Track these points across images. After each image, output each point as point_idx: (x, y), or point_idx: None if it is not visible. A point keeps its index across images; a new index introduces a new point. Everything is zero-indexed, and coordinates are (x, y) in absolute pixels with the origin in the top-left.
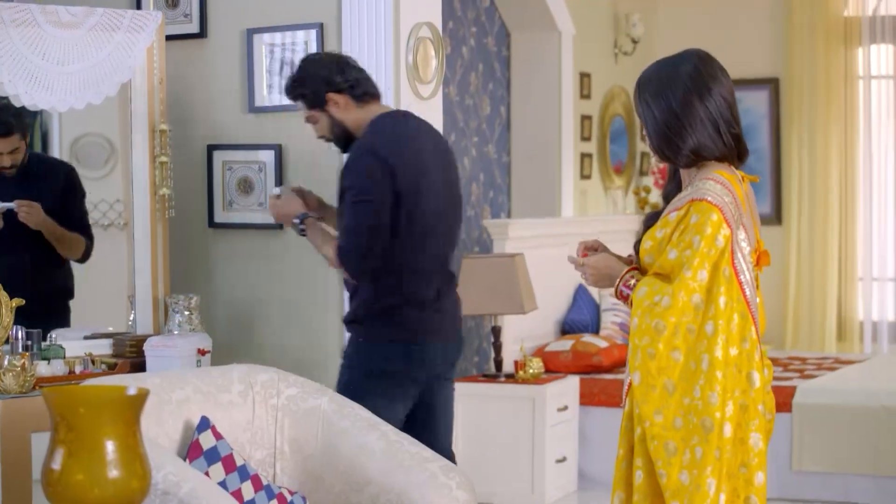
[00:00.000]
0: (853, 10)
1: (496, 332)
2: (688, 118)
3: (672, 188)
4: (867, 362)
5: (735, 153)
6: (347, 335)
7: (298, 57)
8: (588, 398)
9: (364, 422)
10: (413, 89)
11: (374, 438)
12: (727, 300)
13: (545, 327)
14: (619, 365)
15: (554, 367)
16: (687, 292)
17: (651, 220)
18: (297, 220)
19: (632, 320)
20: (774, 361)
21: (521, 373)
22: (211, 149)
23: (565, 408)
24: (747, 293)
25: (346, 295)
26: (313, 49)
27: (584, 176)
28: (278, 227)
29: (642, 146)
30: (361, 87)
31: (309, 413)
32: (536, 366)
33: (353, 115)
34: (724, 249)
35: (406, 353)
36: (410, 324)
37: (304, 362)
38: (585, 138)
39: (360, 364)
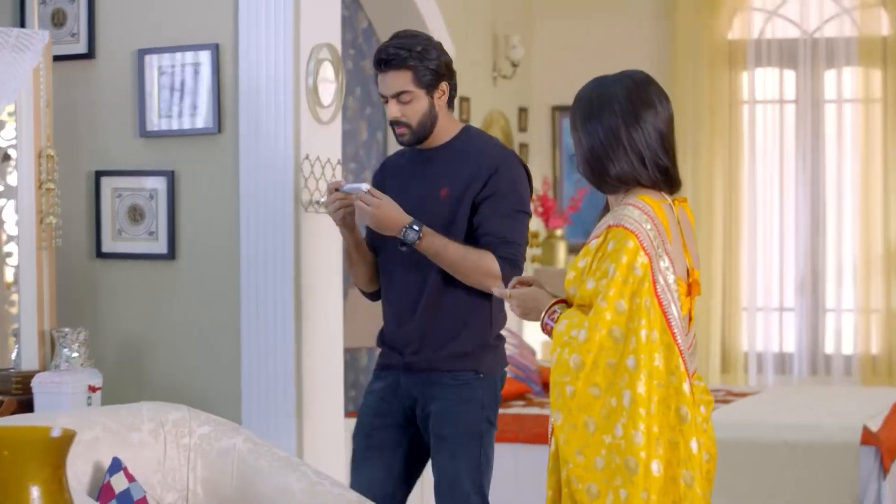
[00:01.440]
0: (738, 33)
1: None
2: (612, 146)
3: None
4: (760, 395)
5: (662, 183)
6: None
7: (191, 79)
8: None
9: (282, 461)
10: (313, 114)
11: (294, 479)
12: (648, 332)
13: None
14: (510, 399)
15: None
16: (604, 325)
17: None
18: (416, 227)
19: (551, 355)
20: None
21: None
22: (99, 175)
23: None
24: (672, 324)
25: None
26: (207, 72)
27: None
28: (170, 256)
29: None
30: (455, 93)
31: (223, 453)
32: None
33: (443, 114)
34: (642, 278)
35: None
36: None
37: (198, 399)
38: None
39: (489, 402)
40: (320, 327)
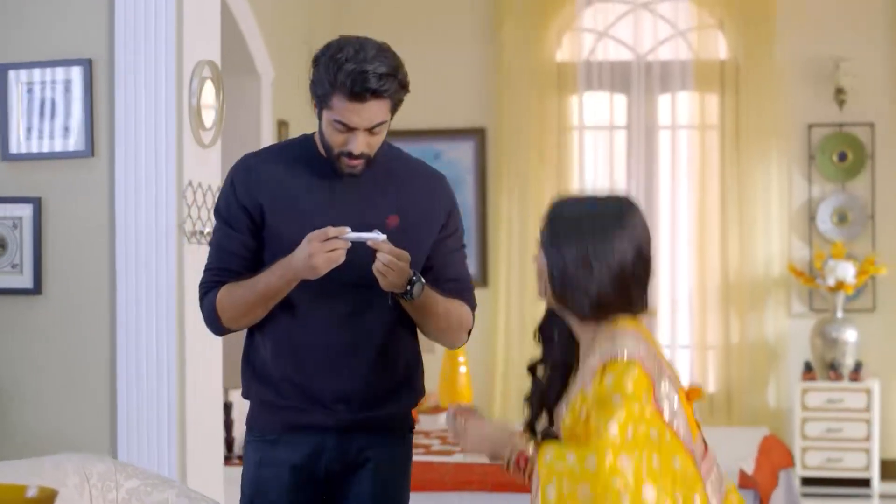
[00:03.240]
0: (567, 55)
1: (227, 408)
2: (599, 266)
3: (560, 348)
4: None
5: (639, 307)
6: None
7: (61, 98)
8: None
9: None
10: (196, 136)
11: None
12: (660, 458)
13: None
14: None
15: None
16: (614, 451)
17: (532, 370)
18: (416, 275)
19: (544, 489)
20: None
21: None
22: None
23: None
24: (683, 438)
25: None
26: (78, 89)
27: None
28: (36, 291)
29: None
30: None
31: None
32: None
33: None
34: (647, 405)
35: None
36: None
37: (69, 449)
38: None
39: None
40: (202, 369)
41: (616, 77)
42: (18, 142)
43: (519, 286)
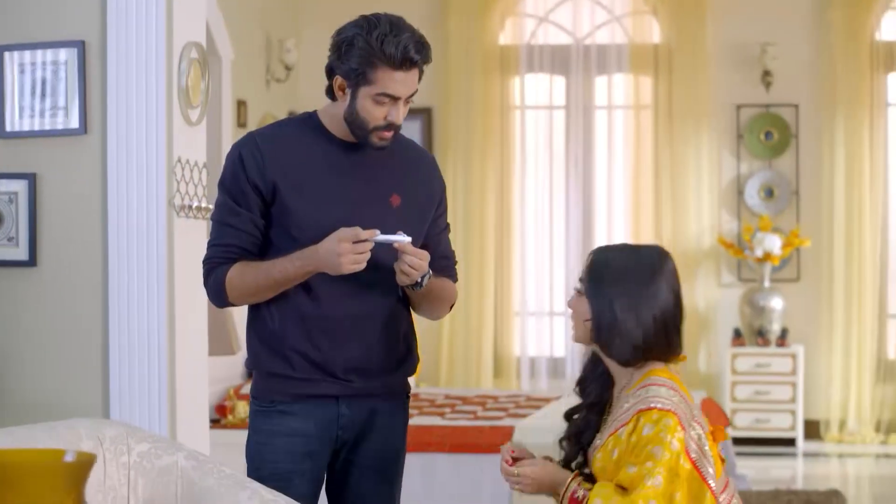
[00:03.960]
0: (510, 38)
1: None
2: (645, 313)
3: (595, 388)
4: (565, 400)
5: (675, 352)
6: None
7: (55, 78)
8: None
9: (230, 479)
10: (184, 115)
11: (245, 497)
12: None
13: (235, 368)
14: None
15: None
16: (658, 501)
17: (569, 416)
18: (427, 271)
19: None
20: (444, 402)
21: (229, 417)
22: None
23: None
24: (709, 480)
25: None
26: (74, 69)
27: None
28: (31, 263)
29: None
30: None
31: (165, 471)
32: (244, 409)
33: None
34: (679, 452)
35: None
36: None
37: (63, 415)
38: None
39: None
40: (190, 336)
41: (556, 60)
42: (14, 120)
43: (465, 260)
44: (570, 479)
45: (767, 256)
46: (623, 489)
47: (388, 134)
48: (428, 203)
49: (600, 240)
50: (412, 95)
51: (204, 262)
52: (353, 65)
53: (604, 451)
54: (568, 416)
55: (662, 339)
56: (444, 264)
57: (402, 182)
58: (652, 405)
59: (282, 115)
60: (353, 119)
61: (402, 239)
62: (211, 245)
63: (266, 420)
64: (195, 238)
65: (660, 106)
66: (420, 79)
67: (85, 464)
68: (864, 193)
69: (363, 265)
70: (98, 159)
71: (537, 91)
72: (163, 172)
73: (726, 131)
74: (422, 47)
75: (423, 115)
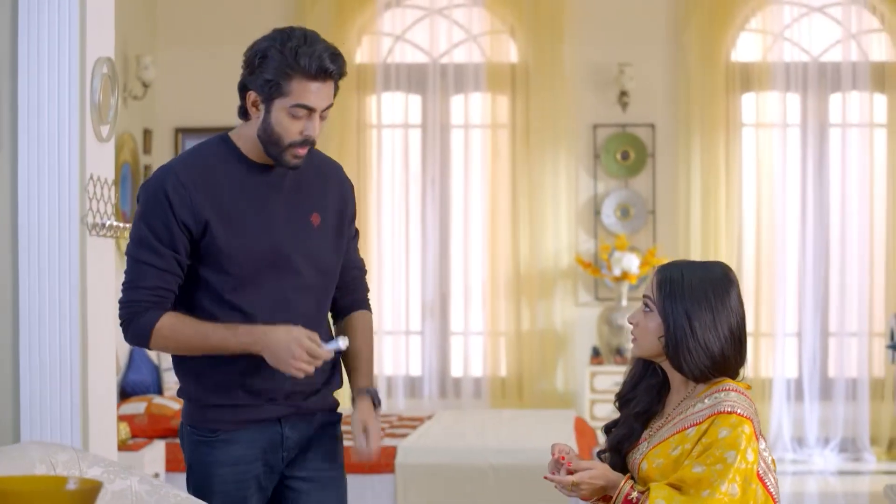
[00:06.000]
0: (366, 56)
1: None
2: (722, 328)
3: (645, 398)
4: (437, 419)
5: (743, 364)
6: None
7: None
8: (174, 464)
9: (186, 502)
10: (96, 132)
11: None
12: None
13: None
14: None
15: (131, 431)
16: None
17: (608, 429)
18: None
19: None
20: None
21: None
22: None
23: (157, 475)
24: (772, 491)
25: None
26: None
27: None
28: None
29: None
30: None
31: (119, 496)
32: (124, 431)
33: None
34: (754, 462)
35: None
36: None
37: None
38: None
39: None
40: (105, 356)
41: (412, 78)
42: None
43: None
44: (623, 482)
45: (625, 275)
46: (676, 487)
47: (303, 151)
48: (344, 214)
49: (457, 259)
50: (327, 109)
51: (125, 302)
52: (267, 76)
53: (662, 447)
54: (607, 429)
55: (738, 351)
56: (357, 274)
57: (319, 200)
58: (731, 409)
59: (138, 133)
60: (267, 136)
61: (342, 346)
62: (133, 286)
63: (210, 451)
64: (106, 256)
65: (517, 125)
66: (335, 93)
67: (89, 492)
68: (719, 212)
69: (311, 371)
70: (8, 175)
71: (393, 109)
72: (76, 190)
73: (583, 151)
74: (336, 58)
75: None
